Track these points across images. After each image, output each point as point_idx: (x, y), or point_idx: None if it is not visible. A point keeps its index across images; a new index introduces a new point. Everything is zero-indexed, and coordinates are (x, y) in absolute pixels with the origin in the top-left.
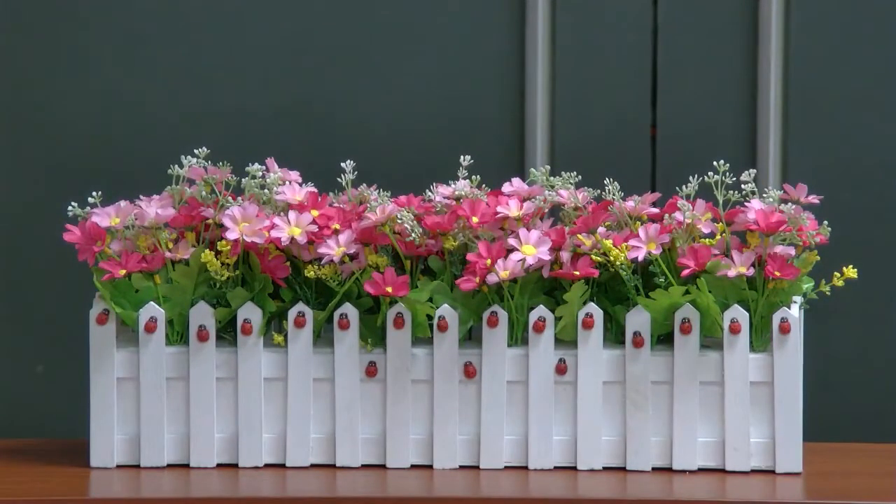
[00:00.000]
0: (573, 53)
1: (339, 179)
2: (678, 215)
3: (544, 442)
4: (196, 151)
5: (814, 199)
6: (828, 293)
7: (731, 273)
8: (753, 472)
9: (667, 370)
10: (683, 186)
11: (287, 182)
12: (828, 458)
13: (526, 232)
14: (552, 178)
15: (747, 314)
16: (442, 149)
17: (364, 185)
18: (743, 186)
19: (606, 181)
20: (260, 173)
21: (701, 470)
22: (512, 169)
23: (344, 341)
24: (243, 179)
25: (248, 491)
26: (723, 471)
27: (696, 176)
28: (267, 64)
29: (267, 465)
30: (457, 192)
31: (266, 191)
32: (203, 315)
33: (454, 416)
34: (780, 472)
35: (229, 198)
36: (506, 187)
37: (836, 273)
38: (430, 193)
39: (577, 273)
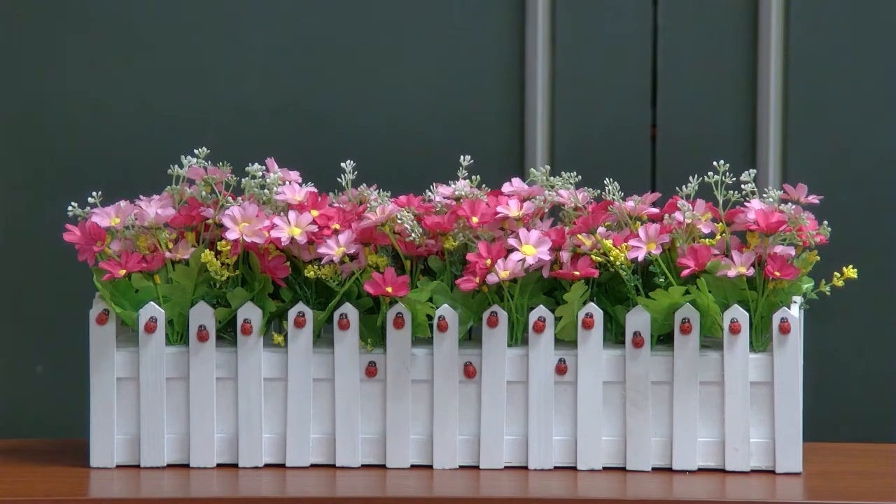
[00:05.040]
0: (573, 53)
1: (339, 179)
2: (678, 215)
3: (544, 442)
4: (196, 151)
5: (814, 199)
6: (828, 293)
7: (731, 273)
8: (753, 472)
9: (667, 370)
10: (683, 186)
11: (287, 182)
12: (828, 458)
13: (526, 232)
14: (552, 178)
15: (747, 314)
16: (442, 149)
17: (364, 185)
18: (743, 186)
19: (606, 181)
20: (260, 173)
21: (701, 470)
22: (512, 169)
23: (344, 341)
24: (243, 179)
25: (248, 491)
26: (723, 471)
27: (696, 176)
28: (267, 64)
29: (267, 465)
30: (457, 192)
31: (266, 191)
32: (203, 315)
33: (454, 416)
34: (780, 472)
35: (229, 198)
36: (506, 187)
37: (836, 273)
38: (430, 193)
39: (577, 273)
